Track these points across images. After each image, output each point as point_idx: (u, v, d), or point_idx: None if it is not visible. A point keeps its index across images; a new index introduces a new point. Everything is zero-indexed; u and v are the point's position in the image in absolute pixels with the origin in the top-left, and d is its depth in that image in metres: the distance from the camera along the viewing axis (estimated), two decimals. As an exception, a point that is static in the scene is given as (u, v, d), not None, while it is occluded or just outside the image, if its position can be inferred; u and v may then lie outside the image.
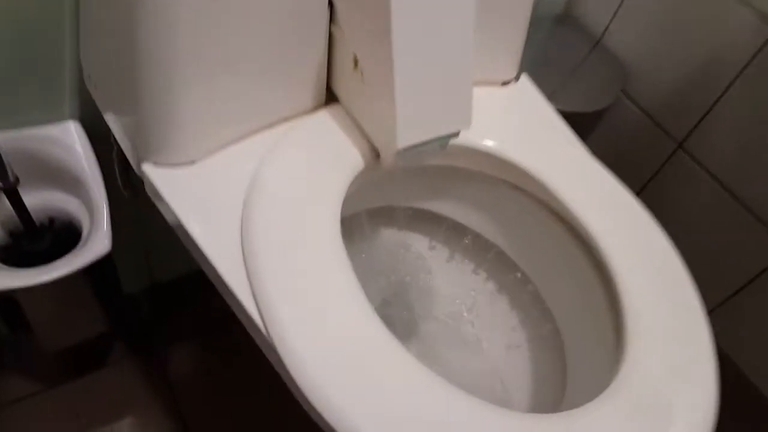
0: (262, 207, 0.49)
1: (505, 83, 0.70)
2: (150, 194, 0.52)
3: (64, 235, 0.69)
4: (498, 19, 0.63)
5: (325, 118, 0.57)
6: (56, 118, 0.64)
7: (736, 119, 0.87)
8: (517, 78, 0.71)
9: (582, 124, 1.06)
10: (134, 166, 0.54)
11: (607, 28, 0.99)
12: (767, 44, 0.79)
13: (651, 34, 0.94)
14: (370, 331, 0.44)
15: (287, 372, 0.42)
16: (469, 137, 0.58)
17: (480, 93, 0.68)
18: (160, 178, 0.51)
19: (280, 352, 0.43)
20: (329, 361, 0.43)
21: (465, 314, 0.73)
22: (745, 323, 0.95)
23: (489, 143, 0.61)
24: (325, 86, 0.58)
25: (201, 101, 0.51)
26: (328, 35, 0.54)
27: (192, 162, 0.52)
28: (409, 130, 0.51)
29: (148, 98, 0.49)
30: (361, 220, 0.67)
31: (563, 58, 1.00)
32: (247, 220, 0.48)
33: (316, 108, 0.59)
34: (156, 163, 0.51)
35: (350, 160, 0.55)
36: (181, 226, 0.49)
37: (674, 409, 0.46)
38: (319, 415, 0.41)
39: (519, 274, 0.69)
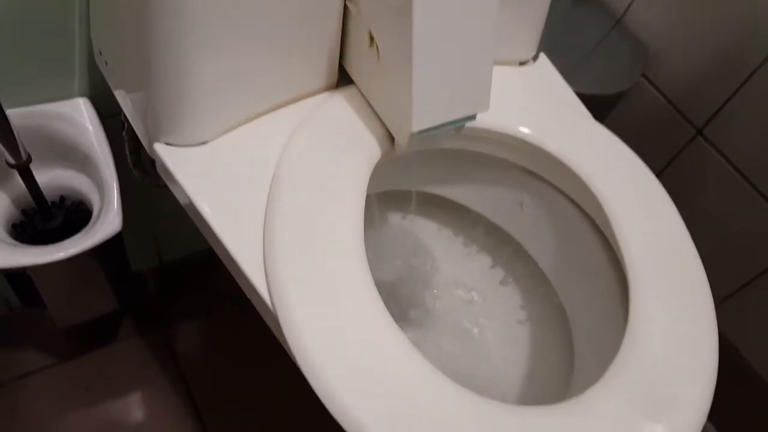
0: (283, 197, 0.48)
1: (522, 63, 0.69)
2: (161, 174, 0.52)
3: (75, 213, 0.69)
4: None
5: (342, 102, 0.56)
6: (66, 95, 0.64)
7: (758, 108, 0.85)
8: (535, 58, 0.70)
9: (600, 106, 1.04)
10: (145, 146, 0.54)
11: (629, 6, 0.97)
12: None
13: (675, 14, 0.92)
14: (381, 330, 0.44)
15: (294, 359, 0.42)
16: (484, 119, 0.57)
17: (497, 73, 0.67)
18: (172, 158, 0.50)
19: (287, 337, 0.43)
20: (336, 351, 0.43)
21: (473, 298, 0.73)
22: (756, 314, 0.95)
23: (505, 125, 0.60)
24: (337, 64, 0.57)
25: (213, 79, 0.50)
26: (342, 10, 0.53)
27: (204, 142, 0.51)
28: (425, 113, 0.49)
29: (160, 76, 0.49)
30: (371, 204, 0.67)
31: (582, 38, 0.97)
32: (270, 208, 0.48)
33: (328, 87, 0.58)
34: (168, 144, 0.51)
35: (369, 148, 0.54)
36: (192, 207, 0.49)
37: (669, 396, 0.46)
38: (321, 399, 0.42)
39: (529, 262, 0.68)
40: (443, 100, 0.50)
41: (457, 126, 0.53)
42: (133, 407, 0.94)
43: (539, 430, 0.42)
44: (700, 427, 0.44)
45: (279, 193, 0.49)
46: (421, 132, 0.50)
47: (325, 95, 0.57)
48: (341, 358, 0.42)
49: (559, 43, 0.94)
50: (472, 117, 0.53)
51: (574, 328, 0.63)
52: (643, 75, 0.98)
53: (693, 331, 0.50)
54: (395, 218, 0.74)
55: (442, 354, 0.69)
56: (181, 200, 0.51)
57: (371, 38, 0.51)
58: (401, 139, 0.52)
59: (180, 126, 0.50)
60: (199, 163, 0.50)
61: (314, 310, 0.44)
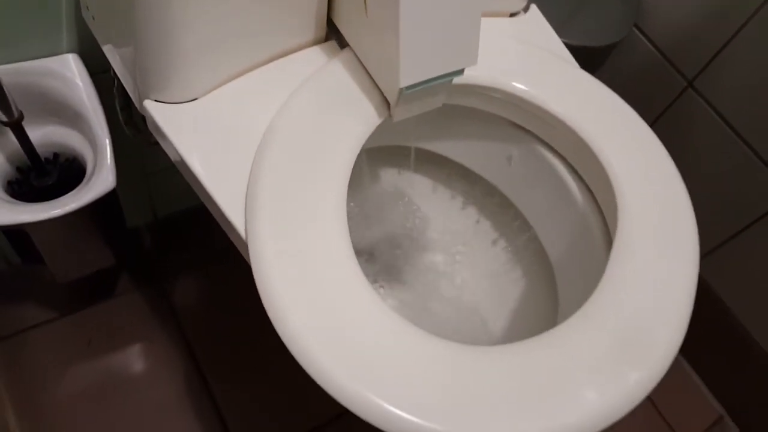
0: (272, 156, 0.49)
1: (513, 14, 0.68)
2: (152, 131, 0.52)
3: (69, 169, 0.69)
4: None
5: (343, 67, 0.56)
6: (54, 50, 0.63)
7: (747, 60, 0.85)
8: (526, 9, 0.70)
9: (592, 57, 1.03)
10: (136, 103, 0.54)
11: None
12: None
13: None
14: (349, 279, 0.45)
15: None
16: (473, 73, 0.57)
17: (487, 24, 0.66)
18: (162, 114, 0.50)
19: (260, 289, 0.44)
20: (301, 302, 0.44)
21: (460, 251, 0.74)
22: (741, 266, 0.96)
23: (493, 79, 0.60)
24: (325, 17, 0.57)
25: (200, 33, 0.49)
26: None
27: (194, 98, 0.51)
28: (413, 67, 0.49)
29: (147, 31, 0.48)
30: (360, 160, 0.68)
31: None
32: (257, 165, 0.48)
33: (316, 41, 0.58)
34: (158, 101, 0.51)
35: (366, 113, 0.54)
36: (183, 162, 0.50)
37: (638, 337, 0.47)
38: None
39: (518, 217, 0.69)
40: (431, 55, 0.50)
41: (445, 81, 0.53)
42: (134, 360, 0.95)
43: (506, 364, 0.44)
44: (667, 365, 0.46)
45: (269, 149, 0.49)
46: (409, 87, 0.50)
47: (324, 59, 0.57)
48: (305, 303, 0.43)
49: None
50: (460, 72, 0.53)
51: (559, 282, 0.65)
52: (635, 25, 0.97)
53: (672, 275, 0.51)
54: (386, 173, 0.74)
55: (426, 307, 0.71)
56: (172, 156, 0.51)
57: None
58: (391, 98, 0.53)
59: (169, 82, 0.50)
60: (189, 120, 0.51)
61: (285, 259, 0.45)
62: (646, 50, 0.98)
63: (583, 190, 0.62)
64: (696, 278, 0.52)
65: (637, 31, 0.98)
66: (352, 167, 0.50)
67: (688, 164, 0.96)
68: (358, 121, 0.53)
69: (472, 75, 0.57)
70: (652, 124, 1.00)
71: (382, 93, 0.54)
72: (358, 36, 0.55)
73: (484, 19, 0.63)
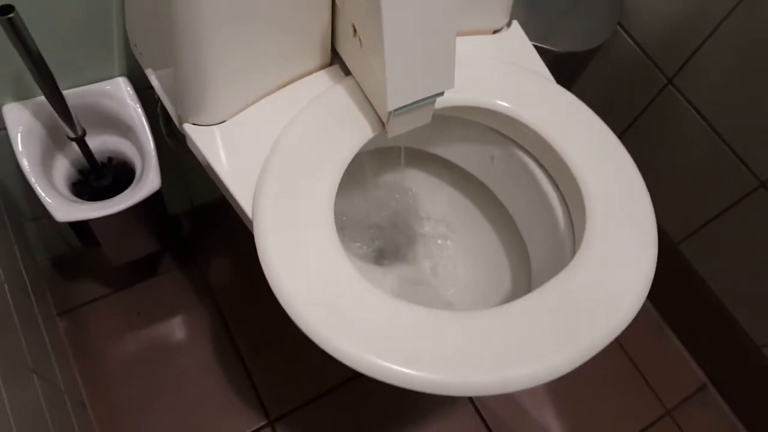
0: (276, 162, 0.59)
1: (496, 31, 0.75)
2: (190, 146, 0.63)
3: (121, 171, 0.80)
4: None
5: (344, 90, 0.65)
6: (108, 75, 0.73)
7: (722, 58, 0.88)
8: (509, 25, 0.76)
9: (578, 61, 1.08)
10: (176, 123, 0.65)
11: None
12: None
13: None
14: (336, 262, 0.54)
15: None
16: (459, 89, 0.64)
17: (472, 41, 0.74)
18: (198, 135, 0.61)
19: (265, 273, 0.54)
20: (300, 284, 0.53)
21: (447, 235, 0.83)
22: (717, 249, 1.01)
23: (477, 95, 0.68)
24: (329, 48, 0.66)
25: (227, 69, 0.59)
26: (331, 5, 0.61)
27: (222, 121, 0.62)
28: (398, 93, 0.58)
29: (185, 71, 0.58)
30: (363, 160, 0.76)
31: None
32: (263, 171, 0.58)
33: (322, 66, 0.67)
34: (194, 123, 0.61)
35: (362, 128, 0.62)
36: (212, 170, 0.60)
37: (582, 319, 0.55)
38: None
39: (500, 207, 0.78)
40: (413, 81, 0.59)
41: (428, 103, 0.62)
42: (176, 328, 1.03)
43: (462, 329, 0.53)
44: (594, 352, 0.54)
45: (275, 157, 0.59)
46: (396, 110, 0.60)
47: (329, 83, 0.66)
48: (303, 285, 0.53)
49: (540, 2, 0.97)
50: (440, 94, 0.62)
51: (533, 264, 0.74)
52: (619, 24, 0.99)
53: (630, 262, 0.59)
54: (387, 169, 0.84)
55: (411, 280, 0.81)
56: (204, 165, 0.62)
57: (354, 30, 0.60)
58: (384, 118, 0.61)
59: (203, 110, 0.60)
60: (218, 138, 0.61)
61: (283, 245, 0.54)
62: (630, 49, 1.00)
63: (553, 185, 0.71)
64: (655, 259, 0.59)
65: (621, 30, 1.00)
66: (343, 171, 0.59)
67: (667, 156, 1.03)
68: (353, 134, 0.62)
69: (456, 96, 0.65)
70: (636, 117, 1.06)
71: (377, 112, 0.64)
72: (355, 64, 0.64)
73: (470, 38, 0.72)
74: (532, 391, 1.07)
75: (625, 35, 1.01)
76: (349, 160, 0.61)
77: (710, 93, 0.92)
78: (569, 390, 1.08)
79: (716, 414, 1.10)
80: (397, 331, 0.52)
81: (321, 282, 0.54)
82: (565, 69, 1.15)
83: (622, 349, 1.13)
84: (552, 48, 0.91)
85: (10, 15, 0.54)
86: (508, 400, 1.05)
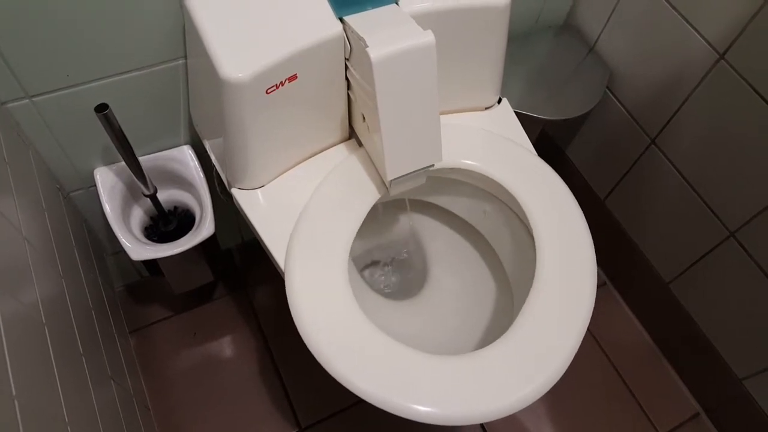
0: (302, 230, 0.74)
1: (488, 108, 0.89)
2: (236, 205, 0.80)
3: (184, 218, 0.97)
4: (476, 64, 0.81)
5: (357, 160, 0.80)
6: (176, 144, 0.91)
7: (698, 120, 0.95)
8: (499, 101, 0.90)
9: (572, 125, 1.18)
10: (226, 185, 0.82)
11: (599, 36, 1.08)
12: (715, 65, 0.89)
13: (634, 42, 1.01)
14: (348, 308, 0.68)
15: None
16: (453, 158, 0.79)
17: (467, 117, 0.89)
18: (242, 198, 0.77)
19: (291, 308, 0.69)
20: (318, 322, 0.67)
21: (447, 274, 0.97)
22: (702, 289, 1.08)
23: (468, 162, 0.82)
24: (347, 127, 0.81)
25: (267, 150, 0.74)
26: (347, 98, 0.77)
27: (261, 186, 0.78)
28: (395, 167, 0.73)
29: (233, 149, 0.74)
30: (377, 210, 0.91)
31: (563, 64, 1.09)
32: (292, 237, 0.73)
33: (342, 140, 0.83)
34: (239, 188, 0.78)
35: (371, 192, 0.77)
36: (254, 229, 0.76)
37: (542, 354, 0.67)
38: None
39: (491, 251, 0.91)
40: (407, 157, 0.73)
41: (421, 173, 0.77)
42: (225, 346, 1.14)
43: (441, 371, 0.65)
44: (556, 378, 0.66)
45: (303, 218, 0.75)
46: (395, 180, 0.74)
47: (346, 154, 0.81)
48: (318, 317, 0.67)
49: (543, 70, 1.08)
50: (431, 166, 0.77)
51: (515, 298, 0.87)
52: (610, 91, 1.09)
53: (573, 303, 0.71)
54: (396, 216, 0.98)
55: (417, 312, 0.94)
56: (246, 221, 0.79)
57: (363, 117, 0.76)
58: (386, 183, 0.76)
59: (246, 178, 0.77)
60: (257, 201, 0.77)
61: (307, 296, 0.68)
62: (618, 112, 1.09)
63: (528, 235, 0.84)
64: (592, 306, 0.73)
65: (609, 93, 1.09)
66: (356, 231, 0.74)
67: (651, 210, 1.12)
68: (365, 197, 0.77)
69: (451, 161, 0.79)
70: (624, 175, 1.14)
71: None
72: (365, 141, 0.80)
73: (466, 114, 0.86)
74: (533, 411, 1.17)
75: (614, 98, 1.10)
76: (361, 221, 0.75)
77: (687, 152, 1.00)
78: (568, 412, 1.16)
79: (708, 441, 1.15)
80: (408, 373, 0.65)
81: (334, 324, 0.68)
82: (562, 132, 1.27)
83: (619, 376, 1.22)
84: (549, 117, 1.02)
85: (105, 111, 0.72)
86: (511, 419, 1.16)
